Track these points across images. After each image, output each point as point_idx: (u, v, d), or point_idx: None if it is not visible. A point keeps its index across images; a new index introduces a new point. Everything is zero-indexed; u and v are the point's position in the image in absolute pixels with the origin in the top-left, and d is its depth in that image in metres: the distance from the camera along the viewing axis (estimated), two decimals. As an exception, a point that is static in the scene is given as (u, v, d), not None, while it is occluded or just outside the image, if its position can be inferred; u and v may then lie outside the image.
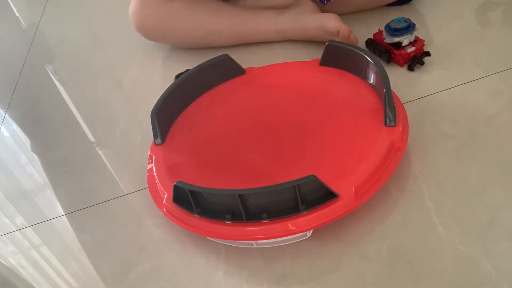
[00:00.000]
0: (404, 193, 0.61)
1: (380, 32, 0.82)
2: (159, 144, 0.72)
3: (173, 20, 0.92)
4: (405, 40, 0.77)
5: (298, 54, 0.90)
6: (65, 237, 0.72)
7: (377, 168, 0.59)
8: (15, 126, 1.02)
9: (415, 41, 0.78)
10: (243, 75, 0.82)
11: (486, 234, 0.54)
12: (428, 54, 0.78)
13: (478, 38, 0.81)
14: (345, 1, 0.91)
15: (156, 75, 0.99)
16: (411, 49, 0.78)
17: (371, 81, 0.70)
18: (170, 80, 0.81)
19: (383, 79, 0.65)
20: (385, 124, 0.63)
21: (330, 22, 0.83)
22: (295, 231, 0.57)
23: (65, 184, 0.81)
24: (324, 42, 0.77)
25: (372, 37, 0.83)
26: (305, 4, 0.91)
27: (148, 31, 0.96)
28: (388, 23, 0.79)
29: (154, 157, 0.71)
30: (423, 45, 0.79)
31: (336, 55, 0.75)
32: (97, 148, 0.86)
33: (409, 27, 0.77)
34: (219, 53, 0.81)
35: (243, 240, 0.59)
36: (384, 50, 0.80)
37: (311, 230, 0.58)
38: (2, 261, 0.72)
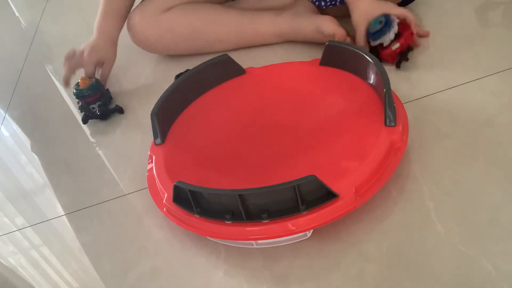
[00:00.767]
0: (404, 193, 0.61)
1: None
2: (159, 144, 0.72)
3: (172, 30, 0.92)
4: (386, 39, 0.77)
5: (297, 54, 0.90)
6: (65, 237, 0.72)
7: (377, 168, 0.59)
8: (15, 126, 1.02)
9: (400, 35, 0.77)
10: (243, 75, 0.82)
11: (486, 234, 0.54)
12: (410, 49, 0.78)
13: (478, 38, 0.81)
14: (344, 5, 0.91)
15: (156, 75, 0.99)
16: (395, 46, 0.77)
17: (371, 81, 0.70)
18: (170, 80, 0.81)
19: (383, 79, 0.64)
20: (385, 124, 0.63)
21: (326, 25, 0.83)
22: (295, 231, 0.57)
23: (65, 184, 0.81)
24: (322, 43, 0.77)
25: None
26: (303, 5, 0.91)
27: (148, 45, 0.96)
28: (368, 27, 0.79)
29: (154, 157, 0.71)
30: (411, 36, 0.77)
31: (336, 55, 0.75)
32: (97, 148, 0.86)
33: (386, 26, 0.76)
34: (219, 53, 0.81)
35: (243, 240, 0.59)
36: (372, 51, 0.80)
37: (311, 230, 0.58)
38: (2, 261, 0.72)
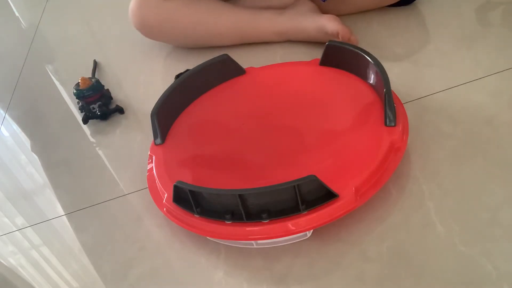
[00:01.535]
0: (404, 193, 0.61)
1: None
2: (159, 144, 0.72)
3: (172, 19, 0.92)
4: None
5: (297, 54, 0.90)
6: (65, 237, 0.72)
7: (377, 168, 0.59)
8: (15, 126, 1.02)
9: None
10: (243, 75, 0.82)
11: (486, 234, 0.54)
12: None
13: (478, 38, 0.81)
14: (344, 1, 0.91)
15: (156, 75, 0.99)
16: None
17: (371, 81, 0.70)
18: (170, 80, 0.81)
19: (383, 79, 0.64)
20: (385, 124, 0.63)
21: (329, 24, 0.83)
22: (295, 231, 0.57)
23: (65, 184, 0.81)
24: (324, 43, 0.77)
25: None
26: (305, 4, 0.91)
27: (147, 29, 0.96)
28: None
29: (154, 157, 0.71)
30: None
31: (336, 55, 0.75)
32: (97, 148, 0.86)
33: None
34: (219, 53, 0.81)
35: (243, 240, 0.59)
36: None
37: (311, 230, 0.58)
38: (2, 261, 0.72)
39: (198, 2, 0.93)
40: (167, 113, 0.75)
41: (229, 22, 0.92)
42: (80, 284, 0.65)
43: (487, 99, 0.69)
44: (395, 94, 0.69)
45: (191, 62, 0.94)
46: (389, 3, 0.92)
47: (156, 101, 0.74)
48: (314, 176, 0.54)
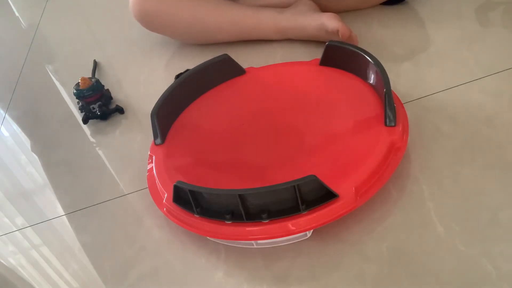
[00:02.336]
0: (404, 193, 0.61)
1: None
2: (159, 144, 0.72)
3: (173, 11, 0.92)
4: None
5: (297, 53, 0.90)
6: (65, 237, 0.72)
7: (377, 168, 0.59)
8: (15, 126, 1.02)
9: None
10: (243, 75, 0.82)
11: (486, 234, 0.54)
12: None
13: (478, 38, 0.81)
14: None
15: (156, 75, 0.99)
16: None
17: (371, 81, 0.70)
18: (170, 80, 0.81)
19: (383, 79, 0.64)
20: (385, 124, 0.63)
21: (330, 22, 0.83)
22: (295, 231, 0.57)
23: (65, 184, 0.81)
24: (323, 42, 0.77)
25: None
26: (305, 4, 0.91)
27: (147, 20, 0.95)
28: None
29: (154, 157, 0.71)
30: None
31: (336, 55, 0.75)
32: (97, 148, 0.86)
33: None
34: (219, 50, 0.81)
35: (243, 240, 0.59)
36: None
37: (311, 230, 0.58)
38: (2, 261, 0.72)
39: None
40: (167, 113, 0.75)
41: (229, 18, 0.92)
42: (80, 284, 0.65)
43: (487, 99, 0.69)
44: (395, 94, 0.69)
45: (192, 62, 0.93)
46: (384, 1, 0.92)
47: (156, 101, 0.74)
48: (314, 176, 0.54)
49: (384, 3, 0.93)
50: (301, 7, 0.90)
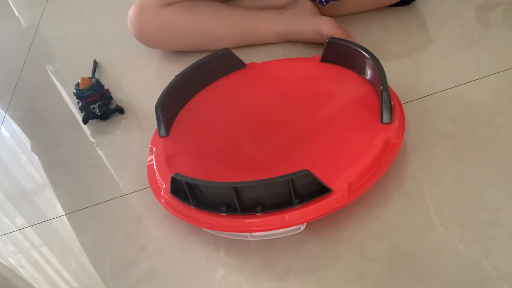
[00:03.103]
0: (404, 193, 0.61)
1: None
2: (163, 136, 0.73)
3: (171, 25, 0.92)
4: None
5: (297, 54, 0.90)
6: (65, 237, 0.72)
7: (371, 164, 0.59)
8: (15, 126, 1.02)
9: None
10: (244, 69, 0.82)
11: (486, 234, 0.54)
12: None
13: (478, 38, 0.81)
14: (344, 3, 0.91)
15: (156, 75, 0.99)
16: None
17: (369, 78, 0.71)
18: (169, 80, 0.80)
19: (380, 76, 0.65)
20: (381, 121, 0.63)
21: (325, 27, 0.83)
22: (289, 224, 0.58)
23: (65, 184, 0.81)
24: (321, 44, 0.77)
25: None
26: (303, 4, 0.91)
27: (147, 39, 0.96)
28: None
29: (154, 149, 0.72)
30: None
31: (337, 52, 0.76)
32: (97, 148, 0.86)
33: None
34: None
35: (238, 232, 0.60)
36: None
37: (305, 224, 0.59)
38: (2, 261, 0.72)
39: (195, 7, 0.93)
40: (170, 106, 0.76)
41: (227, 25, 0.92)
42: (80, 284, 0.65)
43: (487, 99, 0.69)
44: (393, 91, 0.69)
45: (191, 62, 0.93)
46: (389, 4, 0.92)
47: (156, 101, 0.74)
48: (308, 170, 0.55)
49: (390, 5, 0.92)
50: (299, 8, 0.90)
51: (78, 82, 0.89)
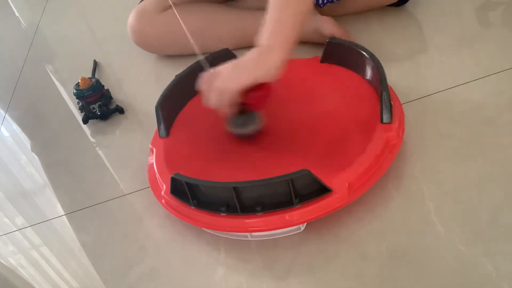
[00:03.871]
0: (404, 193, 0.61)
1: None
2: (163, 137, 0.73)
3: (171, 30, 0.92)
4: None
5: (298, 54, 0.89)
6: (65, 237, 0.72)
7: (371, 164, 0.59)
8: (15, 126, 1.02)
9: None
10: None
11: (486, 234, 0.54)
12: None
13: (478, 38, 0.81)
14: (343, 4, 0.91)
15: (156, 75, 0.99)
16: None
17: (369, 78, 0.71)
18: (169, 80, 0.80)
19: (380, 76, 0.65)
20: (381, 121, 0.63)
21: (325, 26, 0.84)
22: (289, 224, 0.58)
23: (65, 184, 0.81)
24: (321, 43, 0.77)
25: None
26: None
27: (147, 44, 0.96)
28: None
29: (154, 150, 0.72)
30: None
31: (336, 52, 0.76)
32: (97, 148, 0.86)
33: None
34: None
35: (238, 232, 0.60)
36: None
37: (305, 224, 0.59)
38: (2, 261, 0.72)
39: (195, 10, 0.93)
40: (170, 107, 0.76)
41: (228, 28, 0.92)
42: (80, 284, 0.65)
43: (487, 99, 0.69)
44: (393, 91, 0.69)
45: (191, 62, 0.93)
46: (387, 4, 0.92)
47: (157, 100, 0.74)
48: (307, 170, 0.55)
49: (389, 5, 0.92)
50: None
51: (78, 82, 0.89)
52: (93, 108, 0.89)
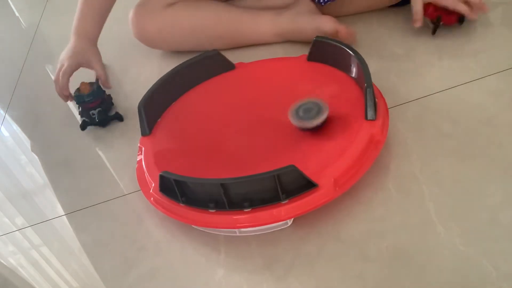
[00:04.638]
0: (404, 193, 0.61)
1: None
2: (146, 135, 0.74)
3: (172, 25, 0.93)
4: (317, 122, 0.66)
5: (298, 54, 0.89)
6: (65, 237, 0.72)
7: (356, 160, 0.60)
8: (15, 126, 1.02)
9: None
10: (233, 70, 0.83)
11: (486, 234, 0.54)
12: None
13: (478, 38, 0.81)
14: (344, 3, 0.91)
15: (156, 75, 0.98)
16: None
17: (355, 76, 0.71)
18: (170, 80, 0.81)
19: (364, 74, 0.65)
20: (366, 118, 0.64)
21: (326, 25, 0.84)
22: (276, 219, 0.58)
23: (65, 184, 0.81)
24: None
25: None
26: (304, 5, 0.91)
27: (148, 39, 0.96)
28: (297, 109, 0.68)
29: (143, 149, 0.73)
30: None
31: (323, 51, 0.77)
32: (97, 148, 0.86)
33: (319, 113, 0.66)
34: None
35: (226, 228, 0.60)
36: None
37: (292, 219, 0.59)
38: (2, 261, 0.72)
39: (196, 7, 0.93)
40: (155, 105, 0.77)
41: (228, 25, 0.92)
42: (80, 284, 0.65)
43: (487, 99, 0.69)
44: (378, 90, 0.70)
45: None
46: (388, 5, 0.92)
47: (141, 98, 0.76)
48: (294, 166, 0.56)
49: (390, 6, 0.93)
50: (300, 8, 0.90)
51: (79, 88, 0.89)
52: (93, 114, 0.88)
